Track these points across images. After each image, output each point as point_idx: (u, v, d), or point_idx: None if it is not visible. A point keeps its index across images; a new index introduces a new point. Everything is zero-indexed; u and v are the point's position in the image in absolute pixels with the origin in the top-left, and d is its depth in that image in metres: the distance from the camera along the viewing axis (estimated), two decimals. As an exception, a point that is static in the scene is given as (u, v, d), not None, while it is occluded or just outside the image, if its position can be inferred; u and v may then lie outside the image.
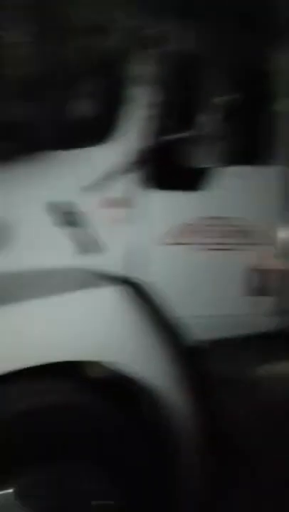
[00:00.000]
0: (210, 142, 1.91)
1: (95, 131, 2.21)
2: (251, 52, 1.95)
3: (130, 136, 2.15)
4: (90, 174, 2.14)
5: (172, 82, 2.01)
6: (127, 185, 2.21)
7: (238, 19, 1.82)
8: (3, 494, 1.58)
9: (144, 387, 1.83)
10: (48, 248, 2.13)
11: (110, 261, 2.19)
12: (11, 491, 1.58)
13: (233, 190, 2.39)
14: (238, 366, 2.35)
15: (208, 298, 2.47)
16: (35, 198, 2.10)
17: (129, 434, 1.87)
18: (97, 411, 1.81)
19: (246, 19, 1.85)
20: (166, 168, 2.18)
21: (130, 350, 1.81)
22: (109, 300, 1.82)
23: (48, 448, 1.69)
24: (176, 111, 2.02)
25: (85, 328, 1.77)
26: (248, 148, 2.29)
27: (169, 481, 1.95)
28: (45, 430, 1.67)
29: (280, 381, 2.43)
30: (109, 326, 1.78)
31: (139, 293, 2.17)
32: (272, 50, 2.12)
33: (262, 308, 2.62)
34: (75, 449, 1.74)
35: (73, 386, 1.81)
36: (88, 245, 2.16)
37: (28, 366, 1.61)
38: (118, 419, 1.85)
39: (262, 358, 2.53)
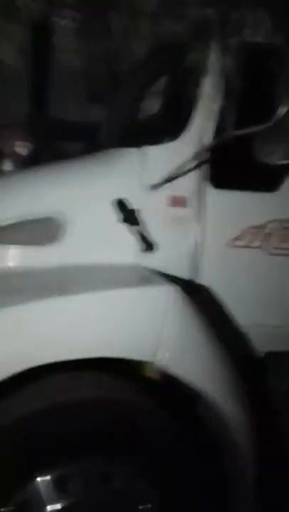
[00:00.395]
0: (285, 137, 1.77)
1: (163, 128, 2.19)
2: None
3: (200, 133, 2.09)
4: (157, 172, 2.10)
5: (245, 74, 1.92)
6: (194, 184, 2.15)
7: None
8: (42, 481, 1.61)
9: (193, 391, 1.75)
10: (112, 245, 2.14)
11: (172, 261, 2.15)
12: (48, 477, 1.60)
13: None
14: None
15: (275, 307, 2.34)
16: (102, 194, 2.12)
17: (174, 437, 1.80)
18: (144, 410, 1.77)
19: None
20: (236, 167, 2.09)
21: (180, 352, 1.74)
22: (163, 299, 1.77)
23: (91, 443, 1.69)
24: (248, 104, 1.91)
25: (135, 326, 1.74)
26: None
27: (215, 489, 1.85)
28: (89, 425, 1.67)
29: None
30: (160, 326, 1.73)
31: (197, 296, 2.11)
32: None
33: None
34: (118, 447, 1.72)
35: (122, 384, 1.80)
36: (151, 244, 2.13)
37: (77, 358, 1.62)
38: (164, 419, 1.79)
39: None
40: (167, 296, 1.78)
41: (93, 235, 2.10)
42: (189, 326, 1.80)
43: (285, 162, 1.83)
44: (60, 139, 2.40)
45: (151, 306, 1.77)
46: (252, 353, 2.25)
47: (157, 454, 1.75)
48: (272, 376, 2.27)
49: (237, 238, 2.21)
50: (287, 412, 2.20)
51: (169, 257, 2.15)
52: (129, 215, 2.11)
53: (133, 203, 2.11)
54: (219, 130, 2.00)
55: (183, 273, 2.16)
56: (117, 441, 1.70)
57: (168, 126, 2.18)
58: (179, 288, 1.80)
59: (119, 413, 1.72)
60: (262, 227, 2.22)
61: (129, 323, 1.75)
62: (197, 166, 2.09)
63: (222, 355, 1.86)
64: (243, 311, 2.23)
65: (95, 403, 1.69)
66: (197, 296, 2.12)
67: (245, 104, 1.95)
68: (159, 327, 1.75)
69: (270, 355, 2.32)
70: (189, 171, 2.08)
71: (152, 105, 2.26)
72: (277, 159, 1.81)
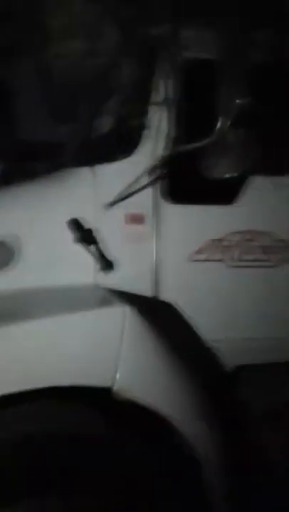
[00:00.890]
0: (233, 151, 1.75)
1: (116, 145, 2.16)
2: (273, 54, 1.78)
3: (152, 149, 2.06)
4: (111, 190, 2.08)
5: (189, 89, 1.90)
6: (150, 200, 2.11)
7: (254, 22, 1.67)
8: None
9: (156, 414, 1.70)
10: (70, 266, 2.09)
11: (133, 278, 2.11)
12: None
13: (265, 201, 2.21)
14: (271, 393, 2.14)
15: (242, 319, 2.31)
16: (56, 215, 2.08)
17: (144, 463, 1.75)
18: (108, 439, 1.71)
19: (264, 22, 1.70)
20: (190, 181, 2.07)
21: (139, 375, 1.69)
22: (119, 321, 1.72)
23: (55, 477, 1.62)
24: (196, 119, 1.89)
25: (91, 350, 1.68)
26: (277, 157, 2.10)
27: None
28: (48, 458, 1.61)
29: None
30: (117, 349, 1.68)
31: (159, 313, 2.07)
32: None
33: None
34: (83, 481, 1.66)
35: (81, 412, 1.74)
36: (111, 262, 2.09)
37: (25, 390, 1.56)
38: (132, 447, 1.74)
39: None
40: (123, 317, 1.73)
41: (50, 257, 2.06)
42: (148, 347, 1.75)
43: (228, 176, 1.81)
44: (14, 160, 2.37)
45: (107, 329, 1.73)
46: (221, 367, 2.21)
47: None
48: (243, 390, 2.24)
49: (197, 252, 2.18)
50: (259, 426, 2.17)
51: (130, 275, 2.11)
52: (85, 235, 2.06)
53: (89, 222, 2.08)
54: (170, 145, 1.98)
55: (145, 290, 2.13)
56: (78, 476, 1.63)
57: (120, 143, 2.15)
58: (135, 308, 1.75)
59: (77, 446, 1.65)
60: (221, 240, 2.19)
61: (85, 348, 1.69)
62: (151, 182, 2.06)
63: (185, 374, 1.81)
64: (209, 326, 2.19)
65: (47, 437, 1.62)
66: (159, 313, 2.11)
67: (191, 119, 1.93)
68: (115, 350, 1.70)
69: (241, 368, 2.29)
70: (144, 187, 2.06)
71: (105, 123, 2.23)
72: (222, 173, 1.79)
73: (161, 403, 1.72)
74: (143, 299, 2.05)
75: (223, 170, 1.80)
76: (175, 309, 2.11)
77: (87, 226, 2.06)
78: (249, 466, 2.02)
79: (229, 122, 1.64)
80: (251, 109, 1.66)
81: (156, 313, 2.07)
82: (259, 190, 2.16)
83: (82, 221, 2.06)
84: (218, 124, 1.63)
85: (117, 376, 1.67)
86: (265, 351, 2.28)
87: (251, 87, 1.63)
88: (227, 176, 1.81)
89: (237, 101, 1.59)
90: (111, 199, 2.07)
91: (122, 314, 1.74)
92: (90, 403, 1.74)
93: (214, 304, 2.22)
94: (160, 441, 1.81)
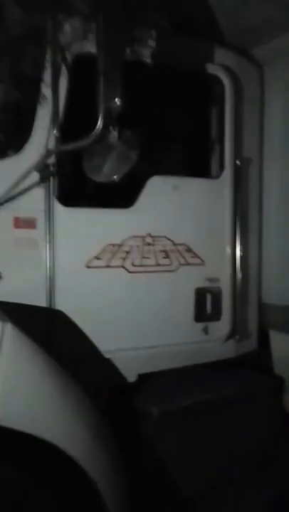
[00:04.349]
0: (117, 152, 1.62)
1: (3, 142, 1.96)
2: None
3: (39, 147, 1.88)
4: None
5: (76, 85, 1.75)
6: (41, 203, 1.93)
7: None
8: None
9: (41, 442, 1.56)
10: None
11: (23, 288, 1.92)
12: None
13: (164, 204, 2.13)
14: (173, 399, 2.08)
15: (144, 327, 2.22)
16: None
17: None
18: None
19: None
20: (83, 183, 1.92)
21: (14, 399, 1.53)
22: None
23: None
24: (80, 117, 1.74)
25: None
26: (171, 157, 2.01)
27: None
28: None
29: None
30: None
31: (48, 326, 1.93)
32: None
33: (209, 335, 2.35)
34: None
35: None
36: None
37: None
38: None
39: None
40: (0, 335, 1.57)
41: None
42: (29, 369, 1.59)
43: (111, 179, 1.68)
44: None
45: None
46: (119, 378, 2.11)
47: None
48: (143, 399, 2.15)
49: (95, 258, 2.04)
50: (158, 436, 2.10)
51: (21, 284, 1.94)
52: None
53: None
54: (55, 143, 1.82)
55: (38, 300, 1.97)
56: None
57: (7, 139, 1.95)
58: (9, 325, 1.58)
59: None
60: (121, 244, 2.07)
61: None
62: (39, 182, 1.89)
63: (72, 394, 1.67)
64: (109, 336, 2.08)
65: None
66: (50, 326, 1.97)
67: (77, 117, 1.78)
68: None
69: (142, 377, 2.21)
70: (31, 187, 1.88)
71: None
72: (104, 176, 1.66)
73: (45, 429, 1.57)
74: (32, 311, 1.88)
75: (107, 172, 1.67)
76: (69, 320, 1.97)
77: None
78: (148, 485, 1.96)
79: (109, 121, 1.49)
80: (131, 108, 1.52)
81: (46, 327, 1.95)
82: (157, 192, 2.06)
83: None
84: (98, 123, 1.48)
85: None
86: (165, 358, 2.22)
87: (129, 85, 1.50)
88: (112, 178, 1.67)
89: (116, 99, 1.45)
90: (-3, 200, 1.88)
91: (0, 332, 1.57)
92: None
93: (114, 312, 2.11)
94: (47, 471, 1.67)
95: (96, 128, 1.48)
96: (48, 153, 1.77)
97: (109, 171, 1.66)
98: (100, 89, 1.46)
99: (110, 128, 1.52)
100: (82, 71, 1.71)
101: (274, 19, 2.25)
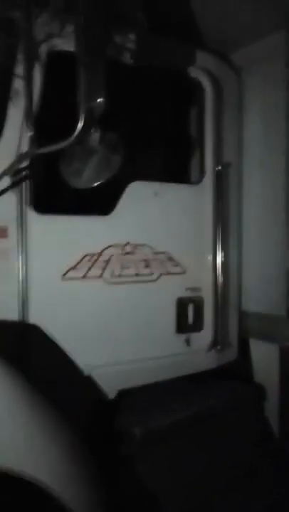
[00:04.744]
0: (97, 156, 1.51)
1: None
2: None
3: (11, 149, 1.75)
4: None
5: (52, 84, 1.63)
6: (13, 211, 1.80)
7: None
8: None
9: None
10: None
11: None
12: None
13: (144, 211, 2.05)
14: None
15: (125, 341, 2.11)
16: None
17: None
18: None
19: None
20: (59, 188, 1.79)
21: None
22: None
23: None
24: (56, 118, 1.62)
25: None
26: (156, 163, 1.93)
27: None
28: None
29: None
30: None
31: (21, 342, 1.79)
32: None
33: (190, 346, 2.27)
34: None
35: None
36: None
37: None
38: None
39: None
40: None
41: None
42: None
43: (92, 186, 1.56)
44: None
45: None
46: (99, 395, 2.00)
47: None
48: (124, 418, 2.04)
49: (72, 269, 1.92)
50: (141, 456, 1.99)
51: None
52: None
53: None
54: (29, 146, 1.69)
55: (10, 313, 1.82)
56: None
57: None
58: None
59: None
60: (99, 254, 1.96)
61: None
62: (11, 187, 1.75)
63: (47, 419, 1.54)
64: (87, 351, 1.96)
65: None
66: (23, 342, 1.83)
67: (53, 117, 1.66)
68: None
69: (123, 393, 2.10)
70: (2, 193, 1.74)
71: None
72: (85, 182, 1.55)
73: (16, 463, 1.43)
74: (3, 326, 1.74)
75: (88, 177, 1.55)
76: (45, 335, 1.84)
77: None
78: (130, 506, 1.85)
79: (91, 122, 1.38)
80: (111, 110, 1.42)
81: (20, 343, 1.81)
82: (137, 198, 1.97)
83: None
84: (79, 124, 1.36)
85: None
86: (146, 372, 2.11)
87: (109, 86, 1.40)
88: (93, 184, 1.55)
89: (98, 100, 1.34)
90: None
91: None
92: None
93: (93, 326, 1.99)
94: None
95: (76, 129, 1.36)
96: (20, 157, 1.64)
97: (89, 177, 1.54)
98: (81, 88, 1.35)
99: (92, 129, 1.40)
100: (61, 67, 1.60)
101: (252, 25, 2.24)
